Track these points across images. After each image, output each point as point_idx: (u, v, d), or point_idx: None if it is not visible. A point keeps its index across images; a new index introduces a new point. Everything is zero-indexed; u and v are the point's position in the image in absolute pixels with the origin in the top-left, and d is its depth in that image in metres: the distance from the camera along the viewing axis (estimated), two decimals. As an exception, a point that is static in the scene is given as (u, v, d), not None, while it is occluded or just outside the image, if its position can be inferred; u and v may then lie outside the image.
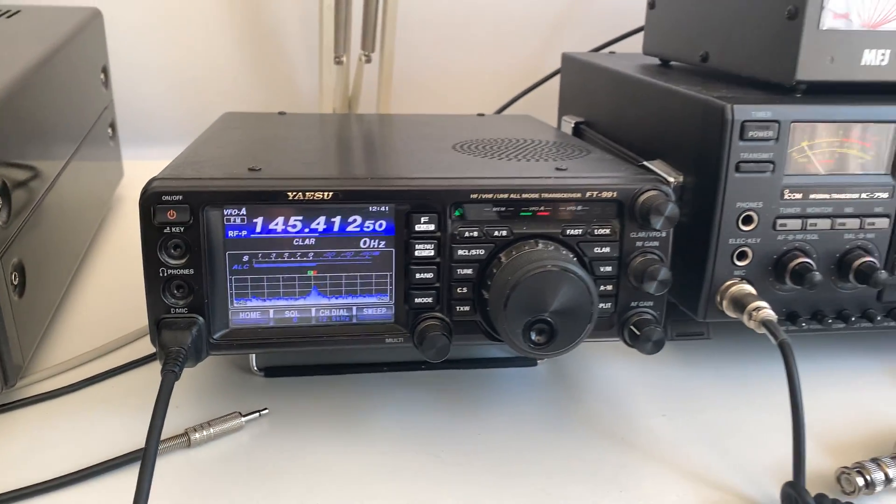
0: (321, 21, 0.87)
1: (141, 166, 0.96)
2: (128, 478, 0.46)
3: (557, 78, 0.88)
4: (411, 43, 1.03)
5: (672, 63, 0.74)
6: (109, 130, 0.85)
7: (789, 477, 0.45)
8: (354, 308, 0.49)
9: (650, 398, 0.57)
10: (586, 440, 0.52)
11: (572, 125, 0.78)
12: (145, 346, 0.61)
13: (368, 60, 0.92)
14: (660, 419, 0.54)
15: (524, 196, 0.47)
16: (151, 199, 0.44)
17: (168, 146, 1.02)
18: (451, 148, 0.57)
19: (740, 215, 0.52)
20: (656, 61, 0.76)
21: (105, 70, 0.84)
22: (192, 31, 1.03)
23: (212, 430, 0.50)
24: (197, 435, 0.49)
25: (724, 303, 0.54)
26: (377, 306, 0.49)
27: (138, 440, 0.49)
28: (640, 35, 0.79)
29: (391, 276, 0.48)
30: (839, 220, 0.53)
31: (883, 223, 0.54)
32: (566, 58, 0.84)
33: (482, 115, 0.78)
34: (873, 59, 0.53)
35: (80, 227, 0.73)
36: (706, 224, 0.53)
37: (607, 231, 0.48)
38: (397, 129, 0.67)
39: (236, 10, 1.03)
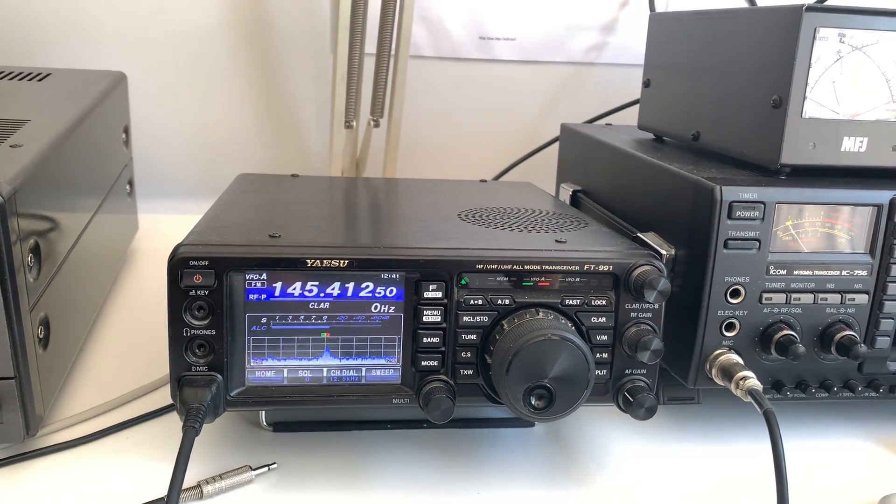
0: (334, 89, 0.92)
1: (155, 219, 1.00)
2: (143, 528, 0.49)
3: (555, 145, 0.93)
4: (417, 109, 1.07)
5: (665, 139, 0.78)
6: (128, 187, 0.88)
7: (775, 541, 0.48)
8: (364, 369, 0.51)
9: (642, 460, 0.59)
10: (581, 497, 0.54)
11: (570, 193, 0.81)
12: (159, 398, 0.63)
13: (377, 126, 0.96)
14: (651, 482, 0.57)
15: (526, 267, 0.50)
16: (179, 264, 0.47)
17: (180, 200, 1.07)
18: (457, 216, 0.61)
19: (728, 289, 0.56)
20: (650, 136, 0.80)
21: (126, 130, 0.88)
22: (208, 94, 1.07)
23: (223, 482, 0.52)
24: (209, 487, 0.51)
25: (713, 371, 0.56)
26: (385, 368, 0.52)
27: (153, 491, 0.51)
28: (635, 107, 0.84)
29: (399, 339, 0.51)
30: (821, 295, 0.57)
31: (862, 299, 0.57)
32: (565, 129, 0.88)
33: (484, 181, 0.82)
34: (852, 146, 0.57)
35: (99, 280, 0.76)
36: (696, 296, 0.56)
37: (604, 302, 0.51)
38: (405, 196, 0.71)
39: (252, 74, 1.08)
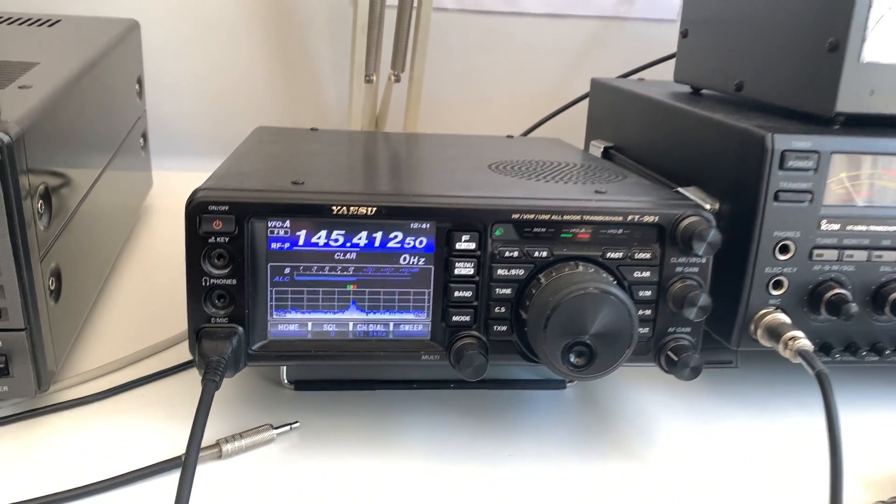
0: (354, 41, 0.88)
1: (169, 177, 0.97)
2: (157, 487, 0.46)
3: (581, 103, 0.89)
4: (440, 64, 1.03)
5: (704, 91, 0.74)
6: (141, 140, 0.85)
7: (826, 510, 0.45)
8: (391, 324, 0.49)
9: (680, 426, 0.56)
10: (617, 465, 0.51)
11: (601, 150, 0.78)
12: (174, 356, 0.61)
13: (398, 80, 0.93)
14: (691, 448, 0.54)
15: (566, 217, 0.47)
16: (198, 209, 0.44)
17: (195, 158, 1.04)
18: (487, 168, 0.58)
19: (777, 244, 0.52)
20: (687, 88, 0.76)
21: (140, 81, 0.85)
22: (224, 46, 1.04)
23: (243, 441, 0.50)
24: (228, 446, 0.49)
25: (759, 332, 0.53)
26: (414, 323, 0.49)
27: (168, 449, 0.49)
28: (668, 63, 0.80)
29: (429, 293, 0.48)
30: (876, 252, 0.53)
31: (920, 257, 0.54)
32: (596, 83, 0.85)
33: (511, 136, 0.78)
34: (913, 93, 0.54)
35: (112, 234, 0.73)
36: (742, 252, 0.53)
37: (648, 255, 0.48)
38: (430, 148, 0.68)
39: (269, 27, 1.04)
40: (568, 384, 0.60)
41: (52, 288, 0.52)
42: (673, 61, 0.78)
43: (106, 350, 0.61)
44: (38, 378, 0.50)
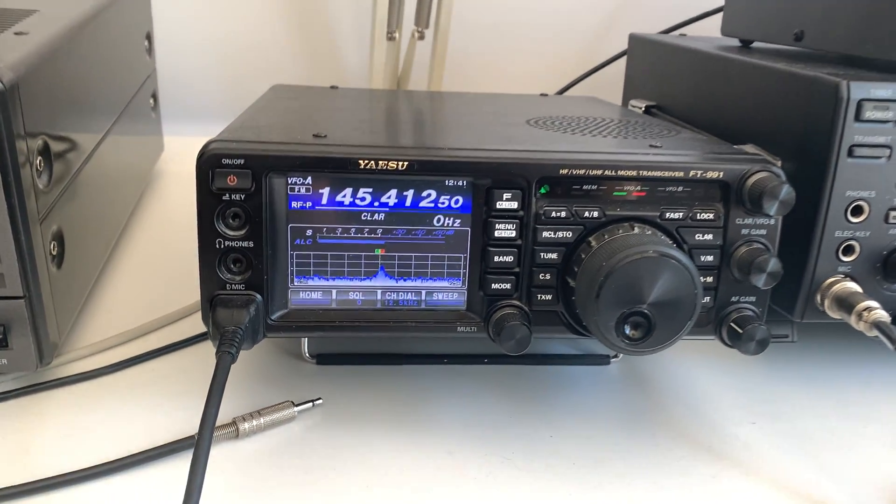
0: (375, -5, 0.83)
1: (181, 141, 0.92)
2: (170, 469, 0.42)
3: (616, 64, 0.83)
4: (467, 20, 0.98)
5: (755, 45, 0.69)
6: (151, 101, 0.81)
7: (906, 498, 0.41)
8: (424, 292, 0.44)
9: (734, 403, 0.52)
10: (669, 448, 0.47)
11: (642, 109, 0.72)
12: (187, 328, 0.57)
13: (422, 37, 0.88)
14: (749, 427, 0.49)
15: (620, 173, 0.42)
16: (210, 162, 0.40)
17: (209, 122, 0.98)
18: (526, 123, 0.53)
19: (849, 205, 0.47)
20: (735, 42, 0.71)
21: (149, 37, 0.80)
22: (239, 2, 0.99)
23: (262, 419, 0.46)
24: (246, 425, 0.45)
25: (826, 302, 0.48)
26: (448, 291, 0.44)
27: (181, 428, 0.45)
28: (710, 20, 0.74)
29: (465, 258, 0.44)
30: (960, 215, 0.48)
31: None
32: (635, 39, 0.79)
33: (545, 94, 0.73)
34: None
35: (120, 199, 0.69)
36: (809, 215, 0.48)
37: (711, 216, 0.43)
38: (459, 105, 0.63)
39: (284, -19, 0.99)
40: (612, 359, 0.55)
41: (54, 253, 0.48)
42: (717, 17, 0.72)
43: (114, 321, 0.57)
44: (39, 350, 0.46)
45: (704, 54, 0.64)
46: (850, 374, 0.56)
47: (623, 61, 0.82)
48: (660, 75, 0.73)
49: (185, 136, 0.96)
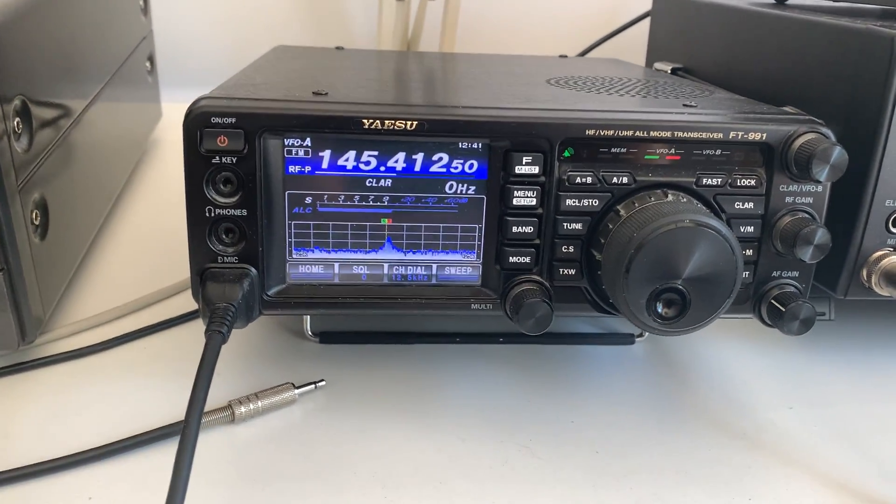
0: (382, -49, 0.78)
1: (180, 109, 0.88)
2: (162, 455, 0.39)
3: (638, 25, 0.79)
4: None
5: (789, 1, 0.64)
6: (147, 64, 0.77)
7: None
8: (435, 266, 0.40)
9: (770, 387, 0.48)
10: (701, 435, 0.43)
11: (668, 72, 0.68)
12: (182, 303, 0.53)
13: (432, -3, 0.83)
14: (786, 412, 0.46)
15: (653, 134, 0.38)
16: (198, 121, 0.36)
17: (210, 88, 0.95)
18: (546, 83, 0.48)
19: (903, 172, 0.43)
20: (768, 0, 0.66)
21: (144, -5, 0.76)
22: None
23: (260, 403, 0.42)
24: (242, 409, 0.42)
25: (874, 277, 0.45)
26: (462, 265, 0.40)
27: (174, 411, 0.42)
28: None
29: (481, 228, 0.40)
30: None
31: None
32: (660, -3, 0.74)
33: (565, 56, 0.69)
34: None
35: (113, 167, 0.65)
36: (857, 183, 0.44)
37: (752, 182, 0.39)
38: (474, 66, 0.58)
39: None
40: (637, 338, 0.51)
41: (37, 222, 0.45)
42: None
43: (105, 295, 0.54)
44: (20, 327, 0.43)
45: (737, 10, 0.59)
46: (892, 356, 0.52)
47: (646, 23, 0.77)
48: (687, 36, 0.68)
49: (185, 102, 0.92)
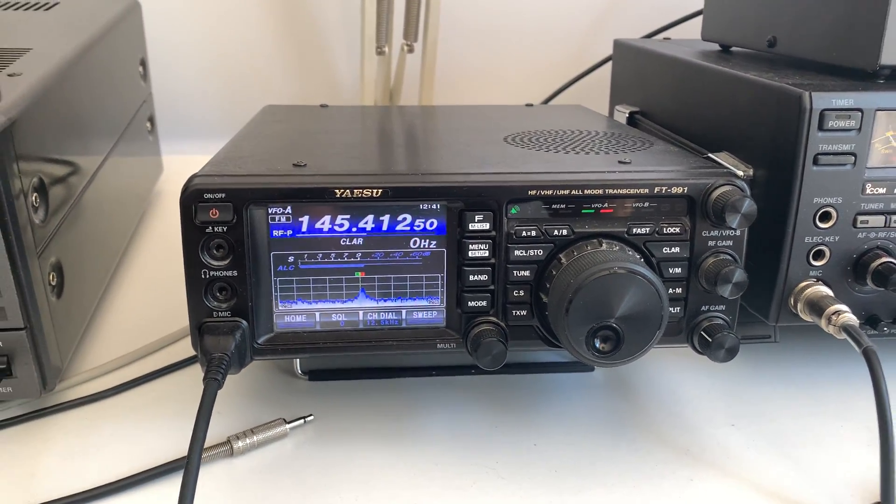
0: (363, 11, 0.84)
1: (180, 161, 0.95)
2: (169, 488, 0.44)
3: (605, 67, 0.85)
4: (455, 32, 0.99)
5: (733, 49, 0.70)
6: (148, 125, 0.83)
7: (876, 496, 0.42)
8: (404, 311, 0.46)
9: (715, 406, 0.53)
10: (650, 452, 0.48)
11: (626, 115, 0.74)
12: (187, 348, 0.59)
13: (411, 51, 0.89)
14: (728, 429, 0.51)
15: (587, 192, 0.44)
16: (193, 197, 0.42)
17: (208, 140, 1.01)
18: (503, 140, 0.54)
19: (818, 211, 0.49)
20: (715, 47, 0.72)
21: (143, 63, 0.82)
22: (230, 22, 1.01)
23: (255, 437, 0.48)
24: (240, 443, 0.47)
25: (799, 305, 0.50)
26: (428, 310, 0.46)
27: (180, 447, 0.47)
28: (694, 22, 0.75)
29: (442, 277, 0.45)
30: (927, 217, 0.49)
31: (975, 220, 0.49)
32: (619, 44, 0.80)
33: (531, 105, 0.75)
34: (966, 42, 0.49)
35: (119, 224, 0.71)
36: (780, 221, 0.49)
37: (677, 230, 0.44)
38: (443, 122, 0.64)
39: (276, 1, 1.01)
40: (596, 367, 0.57)
41: (54, 283, 0.50)
42: (700, 19, 0.73)
43: (116, 344, 0.59)
44: (42, 377, 0.48)
45: (682, 62, 0.65)
46: (829, 374, 0.57)
47: (611, 66, 0.83)
48: (643, 82, 0.74)
49: (185, 154, 0.98)
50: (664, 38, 0.84)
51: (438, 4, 0.88)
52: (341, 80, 1.04)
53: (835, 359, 0.58)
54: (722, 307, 0.46)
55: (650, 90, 0.72)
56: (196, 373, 0.56)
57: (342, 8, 1.01)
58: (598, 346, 0.42)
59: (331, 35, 1.02)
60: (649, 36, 0.89)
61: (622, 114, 0.75)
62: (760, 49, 0.62)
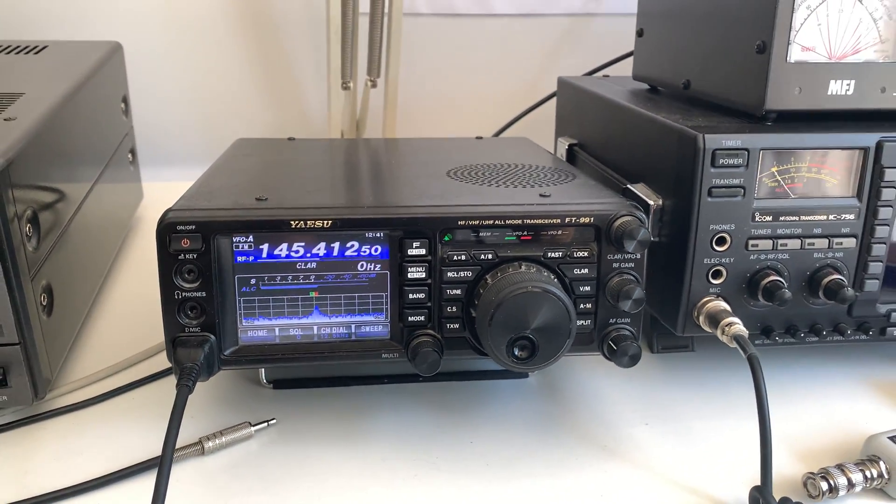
0: (329, 49, 0.92)
1: (159, 188, 1.01)
2: (147, 483, 0.50)
3: (554, 100, 0.92)
4: (415, 68, 1.07)
5: (659, 88, 0.78)
6: (129, 156, 0.90)
7: (757, 481, 0.49)
8: (353, 326, 0.53)
9: (634, 409, 0.60)
10: (572, 448, 0.55)
11: (567, 147, 0.81)
12: (163, 361, 0.65)
13: (374, 85, 0.97)
14: (642, 428, 0.58)
15: (508, 222, 0.51)
16: (167, 229, 0.48)
17: (185, 167, 1.08)
18: (445, 174, 0.61)
19: (714, 237, 0.56)
20: (646, 86, 0.79)
21: (125, 99, 0.89)
22: (206, 59, 1.08)
23: (223, 438, 0.54)
24: (210, 443, 0.54)
25: (701, 318, 0.57)
26: (374, 324, 0.53)
27: (157, 448, 0.53)
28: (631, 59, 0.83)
29: (386, 296, 0.52)
30: (809, 241, 0.57)
31: (850, 243, 0.57)
32: (562, 82, 0.88)
33: (480, 137, 0.82)
34: (839, 90, 0.57)
35: (103, 247, 0.77)
36: (683, 245, 0.56)
37: (586, 254, 0.52)
38: (397, 155, 0.71)
39: (250, 39, 1.08)
40: (531, 374, 0.64)
41: (45, 303, 0.57)
42: (634, 58, 0.81)
43: (100, 357, 0.65)
44: (34, 387, 0.54)
45: (608, 101, 0.73)
46: (737, 381, 0.64)
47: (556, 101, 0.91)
48: (580, 117, 0.82)
49: (165, 181, 1.05)
50: (604, 76, 0.92)
51: (399, 43, 0.95)
52: (311, 111, 1.11)
53: (743, 367, 0.65)
54: (627, 320, 0.53)
55: (586, 125, 0.80)
56: (171, 383, 0.62)
57: (311, 45, 1.08)
58: (516, 353, 0.49)
59: (300, 71, 1.10)
60: (592, 73, 0.97)
61: (563, 145, 0.82)
62: (678, 90, 0.70)
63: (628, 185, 0.63)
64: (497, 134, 1.05)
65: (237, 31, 1.07)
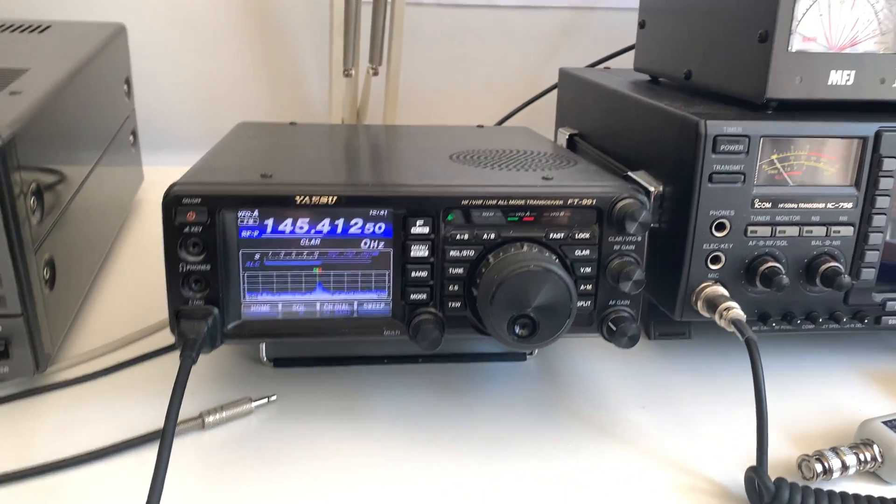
0: (331, 36, 0.92)
1: (160, 171, 1.01)
2: (148, 456, 0.51)
3: (555, 91, 0.93)
4: (417, 57, 1.07)
5: (661, 79, 0.78)
6: (131, 138, 0.90)
7: (755, 463, 0.50)
8: (355, 303, 0.53)
9: (631, 392, 0.61)
10: (567, 428, 0.56)
11: (567, 136, 0.82)
12: (163, 338, 0.65)
13: (376, 73, 0.97)
14: (638, 411, 0.58)
15: (511, 202, 0.51)
16: (173, 202, 0.49)
17: (185, 152, 1.08)
18: (448, 158, 0.62)
19: (713, 223, 0.57)
20: (647, 78, 0.80)
21: (128, 81, 0.89)
22: (208, 45, 1.08)
23: (224, 413, 0.54)
24: (210, 418, 0.54)
25: (699, 303, 0.58)
26: (376, 302, 0.53)
27: (158, 421, 0.53)
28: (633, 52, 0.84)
29: (389, 274, 0.53)
30: (807, 228, 0.57)
31: (848, 231, 0.58)
32: (563, 73, 0.89)
33: (482, 126, 0.82)
34: (840, 80, 0.58)
35: (105, 227, 0.78)
36: (682, 230, 0.57)
37: (587, 235, 0.52)
38: (400, 140, 0.72)
39: (253, 25, 1.08)
40: (529, 356, 0.64)
41: (47, 277, 0.57)
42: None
43: (100, 335, 0.66)
44: (35, 359, 0.55)
45: (610, 91, 0.73)
46: (733, 367, 0.65)
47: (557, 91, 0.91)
48: (581, 107, 0.82)
49: (165, 165, 1.05)
50: (605, 68, 0.93)
51: (401, 32, 0.96)
52: (312, 99, 1.11)
53: (739, 355, 0.66)
54: (627, 301, 0.54)
55: (587, 115, 0.80)
56: (171, 361, 0.63)
57: (313, 33, 1.09)
58: (517, 331, 0.49)
59: (303, 58, 1.10)
60: (593, 65, 0.97)
61: (563, 135, 0.83)
62: (679, 80, 0.70)
63: (629, 173, 0.64)
64: (499, 123, 1.05)
65: (240, 18, 1.08)
